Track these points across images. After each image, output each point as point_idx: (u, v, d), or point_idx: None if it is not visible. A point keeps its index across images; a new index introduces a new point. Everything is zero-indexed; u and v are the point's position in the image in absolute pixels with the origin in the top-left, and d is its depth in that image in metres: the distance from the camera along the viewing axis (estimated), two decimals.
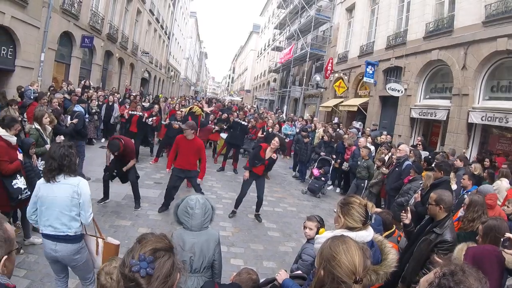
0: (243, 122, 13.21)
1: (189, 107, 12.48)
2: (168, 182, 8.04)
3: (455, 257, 3.25)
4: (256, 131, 14.62)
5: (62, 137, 7.62)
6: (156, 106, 13.99)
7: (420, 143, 11.76)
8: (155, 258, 1.49)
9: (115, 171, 7.79)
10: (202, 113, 12.76)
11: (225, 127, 13.33)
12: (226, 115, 14.17)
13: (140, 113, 12.36)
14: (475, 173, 8.05)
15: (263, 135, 13.54)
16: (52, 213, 3.64)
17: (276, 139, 7.96)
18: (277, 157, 8.28)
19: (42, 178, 3.74)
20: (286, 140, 16.81)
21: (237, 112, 14.69)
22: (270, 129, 13.79)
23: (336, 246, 2.03)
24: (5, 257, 1.47)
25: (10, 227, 1.71)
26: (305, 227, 4.37)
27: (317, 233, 4.09)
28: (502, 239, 3.01)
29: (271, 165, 8.17)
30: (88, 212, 3.74)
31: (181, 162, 7.85)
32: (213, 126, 13.76)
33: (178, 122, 11.89)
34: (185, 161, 7.80)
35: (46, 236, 3.71)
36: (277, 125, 14.05)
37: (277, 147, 7.96)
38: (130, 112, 12.64)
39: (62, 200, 3.62)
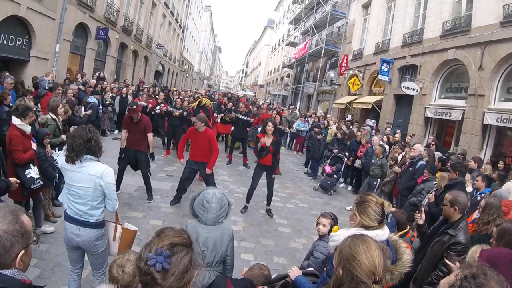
0: (243, 117, 13.06)
1: (198, 101, 12.41)
2: (181, 174, 8.07)
3: (469, 259, 3.22)
4: (259, 120, 14.60)
5: None
6: (162, 94, 14.04)
7: (433, 143, 11.63)
8: (173, 253, 1.48)
9: (130, 155, 7.81)
10: (211, 104, 12.70)
11: (233, 116, 13.23)
12: (231, 104, 14.12)
13: (144, 103, 12.36)
14: (486, 173, 7.98)
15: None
16: (75, 199, 3.67)
17: (269, 123, 8.02)
18: (283, 134, 8.30)
19: (63, 159, 3.68)
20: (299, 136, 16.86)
21: (237, 104, 14.53)
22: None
23: (357, 246, 2.01)
24: (22, 251, 1.47)
25: (27, 220, 1.67)
26: (318, 224, 4.34)
27: (330, 230, 4.08)
28: None
29: (278, 149, 8.20)
30: (115, 200, 3.77)
31: (194, 154, 7.88)
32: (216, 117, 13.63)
33: (179, 110, 12.00)
34: (198, 152, 7.83)
35: (69, 219, 3.72)
36: (277, 116, 13.93)
37: (272, 130, 7.98)
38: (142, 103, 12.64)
39: (85, 190, 3.63)
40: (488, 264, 2.83)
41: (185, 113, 12.20)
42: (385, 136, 12.93)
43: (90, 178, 3.61)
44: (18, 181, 4.33)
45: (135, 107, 7.67)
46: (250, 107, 17.70)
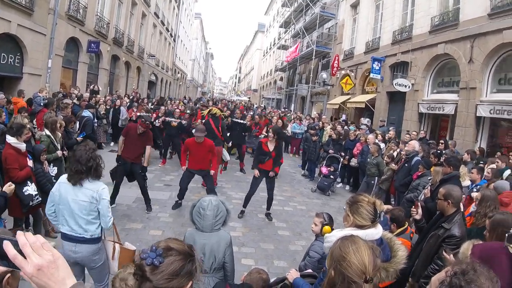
0: (240, 121, 13.15)
1: (208, 109, 12.24)
2: (181, 183, 8.19)
3: (461, 256, 3.25)
4: (260, 128, 14.64)
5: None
6: (162, 107, 14.08)
7: (443, 142, 11.69)
8: (166, 255, 1.54)
9: (125, 169, 7.84)
10: (222, 114, 12.51)
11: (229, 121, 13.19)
12: (229, 111, 14.15)
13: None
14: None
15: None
16: (69, 214, 3.71)
17: (271, 130, 8.16)
18: (282, 145, 8.40)
19: (65, 177, 3.79)
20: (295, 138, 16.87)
21: (233, 110, 14.54)
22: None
23: (346, 247, 2.06)
24: (9, 275, 1.46)
25: None
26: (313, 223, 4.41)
27: (321, 229, 4.15)
28: (507, 234, 3.00)
29: (280, 154, 8.25)
30: (108, 217, 3.79)
31: (193, 163, 7.96)
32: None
33: (177, 120, 12.09)
34: (197, 162, 7.92)
35: (65, 237, 3.78)
36: (279, 121, 13.97)
37: (273, 136, 8.05)
38: (138, 114, 12.70)
39: (79, 204, 3.68)
40: (482, 260, 2.87)
41: (183, 121, 12.27)
42: (379, 135, 12.98)
43: (86, 192, 3.67)
44: (12, 184, 4.36)
45: (148, 122, 7.91)
46: (245, 112, 17.78)
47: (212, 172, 8.10)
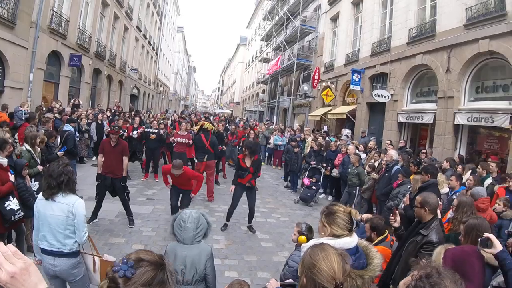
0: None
1: (200, 124, 12.05)
2: (170, 201, 8.10)
3: (434, 260, 3.32)
4: (238, 138, 14.70)
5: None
6: (137, 118, 14.10)
7: (425, 151, 11.97)
8: (138, 266, 1.57)
9: (106, 184, 7.84)
10: (213, 128, 12.44)
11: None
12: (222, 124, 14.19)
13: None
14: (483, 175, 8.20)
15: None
16: (47, 229, 3.74)
17: (245, 147, 8.29)
18: (260, 159, 8.46)
19: (41, 194, 3.84)
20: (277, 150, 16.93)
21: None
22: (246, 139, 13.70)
23: (316, 254, 2.11)
24: None
25: None
26: None
27: (297, 239, 4.22)
28: (480, 239, 3.09)
29: (257, 168, 8.32)
30: (83, 232, 3.82)
31: (177, 184, 7.92)
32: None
33: (155, 131, 12.23)
34: (180, 184, 7.87)
35: (44, 251, 3.80)
36: (251, 131, 13.99)
37: (248, 152, 8.15)
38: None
39: (57, 219, 3.71)
40: (454, 263, 2.96)
41: (161, 131, 12.29)
42: (361, 145, 13.14)
43: (61, 207, 3.71)
44: None
45: (117, 128, 8.04)
46: (227, 125, 17.88)
47: (192, 195, 8.01)
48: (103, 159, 7.85)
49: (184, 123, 13.05)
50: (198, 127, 11.85)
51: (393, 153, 9.29)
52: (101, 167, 7.86)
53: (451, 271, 1.79)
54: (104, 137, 13.78)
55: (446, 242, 3.98)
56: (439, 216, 4.46)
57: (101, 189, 7.85)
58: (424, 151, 12.13)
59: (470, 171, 8.28)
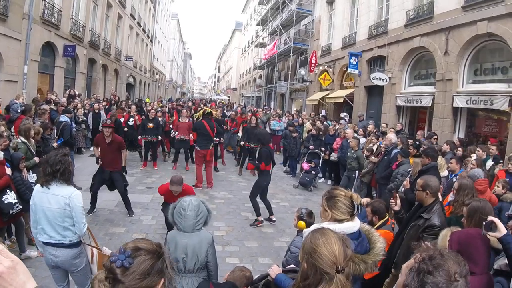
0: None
1: (202, 110, 11.84)
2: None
3: (439, 243, 3.30)
4: (237, 125, 14.65)
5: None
6: (133, 106, 14.07)
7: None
8: (135, 255, 1.55)
9: (104, 177, 7.78)
10: (215, 114, 12.30)
11: None
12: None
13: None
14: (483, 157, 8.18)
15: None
16: (45, 222, 3.73)
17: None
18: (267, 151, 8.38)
19: (38, 185, 3.82)
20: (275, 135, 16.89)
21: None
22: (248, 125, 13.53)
23: (316, 239, 2.09)
24: None
25: None
26: None
27: (296, 224, 4.27)
28: (484, 223, 3.07)
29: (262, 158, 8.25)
30: (82, 224, 3.80)
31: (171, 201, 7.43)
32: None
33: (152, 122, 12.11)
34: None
35: (45, 243, 3.80)
36: (253, 117, 13.97)
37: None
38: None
39: (54, 211, 3.69)
40: (460, 246, 2.94)
41: (160, 119, 12.27)
42: (360, 129, 13.11)
43: (58, 199, 3.67)
44: None
45: (109, 122, 7.88)
46: (225, 111, 17.85)
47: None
48: (99, 149, 7.85)
49: (184, 110, 13.00)
50: (199, 113, 11.79)
51: (392, 137, 9.27)
52: (98, 153, 7.89)
53: (454, 253, 1.78)
54: (100, 127, 13.63)
55: (448, 225, 3.96)
56: (440, 199, 4.43)
57: (98, 181, 7.80)
58: (419, 133, 12.22)
59: (475, 154, 8.26)
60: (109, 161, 7.73)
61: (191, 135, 11.67)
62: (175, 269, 1.72)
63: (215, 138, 11.17)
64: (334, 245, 2.03)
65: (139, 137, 12.35)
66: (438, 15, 12.81)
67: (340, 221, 2.75)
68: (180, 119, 12.16)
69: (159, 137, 12.14)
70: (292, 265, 3.56)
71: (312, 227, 2.70)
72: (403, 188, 7.04)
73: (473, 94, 11.34)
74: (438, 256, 1.69)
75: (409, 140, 9.82)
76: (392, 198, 4.57)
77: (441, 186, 5.30)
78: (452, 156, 8.32)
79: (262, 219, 8.14)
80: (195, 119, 12.77)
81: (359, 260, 2.61)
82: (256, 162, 8.21)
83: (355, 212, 2.81)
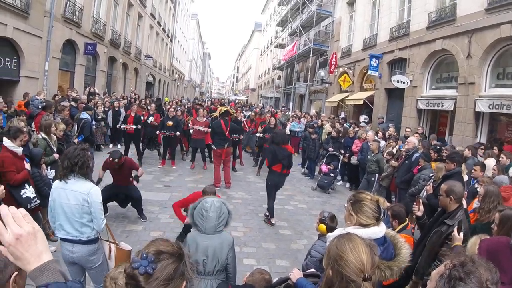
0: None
1: (219, 109, 11.82)
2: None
3: (468, 250, 3.22)
4: (256, 125, 14.61)
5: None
6: (153, 105, 14.15)
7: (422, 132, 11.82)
8: (158, 260, 1.49)
9: (117, 194, 7.43)
10: (233, 114, 11.87)
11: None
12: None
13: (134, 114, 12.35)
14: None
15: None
16: (63, 218, 3.75)
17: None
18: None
19: (57, 181, 3.85)
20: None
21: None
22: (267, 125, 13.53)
23: (343, 245, 2.03)
24: (16, 273, 1.44)
25: None
26: None
27: (317, 227, 4.19)
28: None
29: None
30: (100, 219, 3.82)
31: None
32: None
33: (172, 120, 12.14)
34: None
35: (62, 239, 3.83)
36: (272, 118, 13.83)
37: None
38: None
39: (72, 207, 3.71)
40: (489, 254, 2.85)
41: (179, 117, 12.38)
42: (380, 131, 12.98)
43: (76, 195, 3.69)
44: (1, 186, 4.33)
45: (116, 160, 6.98)
46: (243, 112, 17.85)
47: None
48: (103, 175, 7.40)
49: (201, 110, 13.04)
50: (217, 112, 11.76)
51: (414, 140, 9.14)
52: (100, 177, 7.34)
53: (485, 260, 1.71)
54: (119, 123, 13.52)
55: (472, 233, 3.86)
56: (465, 206, 4.32)
57: (107, 194, 6.97)
58: (431, 137, 12.08)
59: (491, 157, 8.10)
60: (121, 181, 7.31)
61: (206, 130, 11.64)
62: (194, 271, 1.65)
63: (233, 135, 11.17)
64: (361, 252, 1.97)
65: (157, 131, 12.42)
66: (461, 18, 12.62)
67: (365, 225, 2.69)
68: (197, 118, 12.21)
69: (177, 133, 12.10)
70: (312, 269, 3.51)
71: (337, 232, 2.64)
72: (424, 193, 6.92)
73: (495, 99, 11.15)
74: (470, 263, 1.62)
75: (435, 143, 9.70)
76: (415, 203, 4.48)
77: (465, 192, 5.19)
78: (473, 161, 8.16)
79: (274, 222, 8.11)
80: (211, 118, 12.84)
81: (385, 267, 2.55)
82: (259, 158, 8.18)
83: (381, 217, 2.74)
